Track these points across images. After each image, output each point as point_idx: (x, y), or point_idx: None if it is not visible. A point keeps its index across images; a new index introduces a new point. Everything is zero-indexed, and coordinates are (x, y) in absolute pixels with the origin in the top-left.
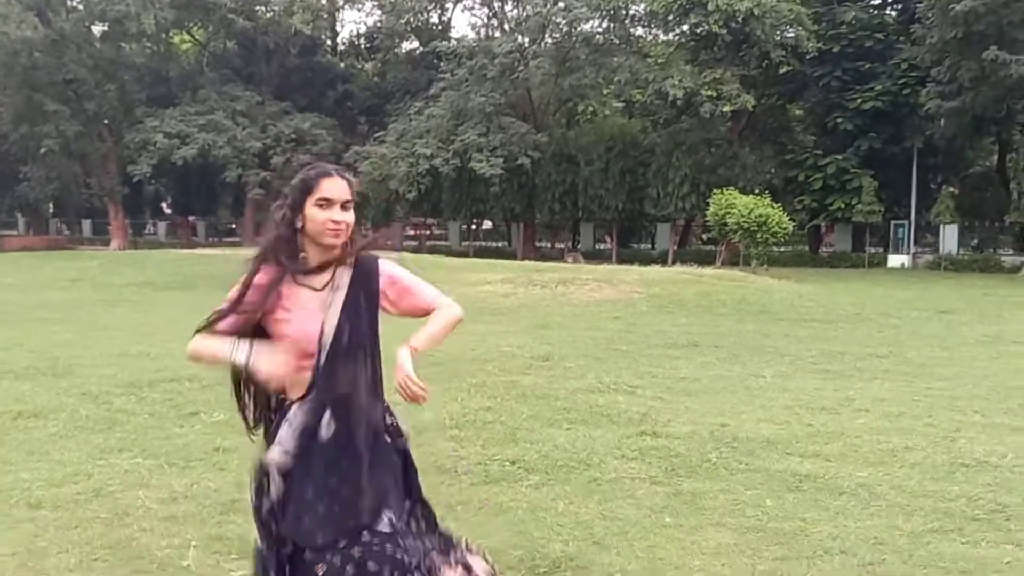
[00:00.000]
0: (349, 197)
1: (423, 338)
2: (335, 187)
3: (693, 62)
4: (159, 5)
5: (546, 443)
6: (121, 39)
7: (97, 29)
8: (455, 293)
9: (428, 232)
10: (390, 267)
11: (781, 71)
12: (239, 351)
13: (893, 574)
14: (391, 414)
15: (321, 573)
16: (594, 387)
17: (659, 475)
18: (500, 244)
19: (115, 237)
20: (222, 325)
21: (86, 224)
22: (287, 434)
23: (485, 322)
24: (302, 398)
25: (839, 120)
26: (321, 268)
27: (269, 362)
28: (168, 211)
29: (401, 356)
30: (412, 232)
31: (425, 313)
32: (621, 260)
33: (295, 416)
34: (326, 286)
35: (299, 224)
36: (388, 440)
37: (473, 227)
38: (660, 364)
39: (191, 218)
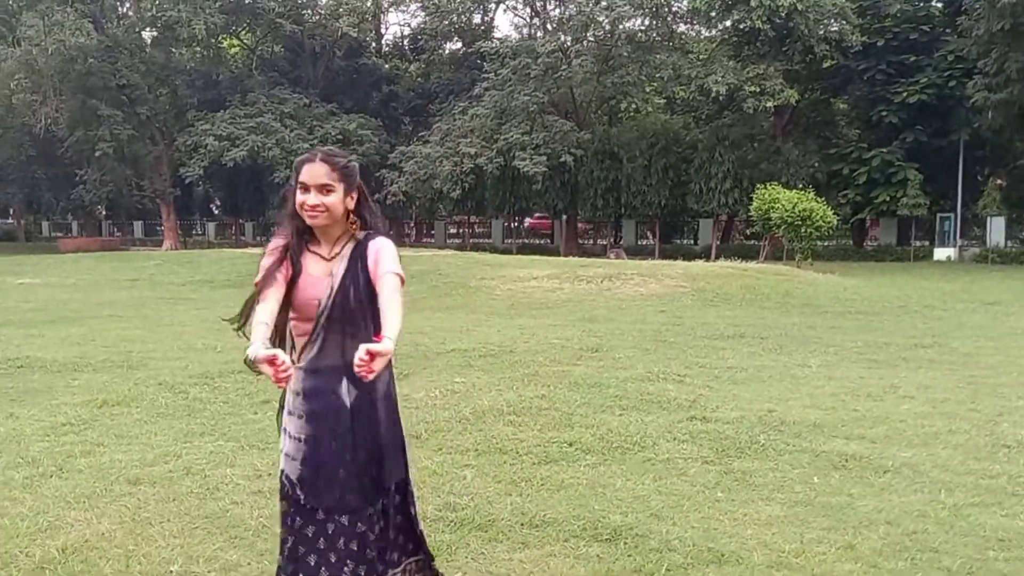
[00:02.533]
0: (324, 181)
1: (392, 328)
2: (310, 172)
3: (736, 58)
4: (209, 10)
5: (600, 427)
6: (172, 44)
7: (148, 35)
8: (502, 289)
9: (471, 230)
10: (381, 242)
11: (825, 65)
12: (252, 347)
13: (934, 542)
14: (393, 381)
15: (331, 531)
16: (643, 376)
17: (710, 455)
18: (543, 241)
19: (167, 238)
20: (264, 289)
21: (137, 225)
22: (290, 399)
23: (533, 316)
24: (301, 362)
25: (884, 114)
26: (330, 239)
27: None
28: (217, 212)
29: (384, 343)
30: (455, 230)
31: (377, 275)
32: (664, 256)
33: (295, 381)
34: (334, 257)
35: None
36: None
37: (516, 224)
38: (707, 355)
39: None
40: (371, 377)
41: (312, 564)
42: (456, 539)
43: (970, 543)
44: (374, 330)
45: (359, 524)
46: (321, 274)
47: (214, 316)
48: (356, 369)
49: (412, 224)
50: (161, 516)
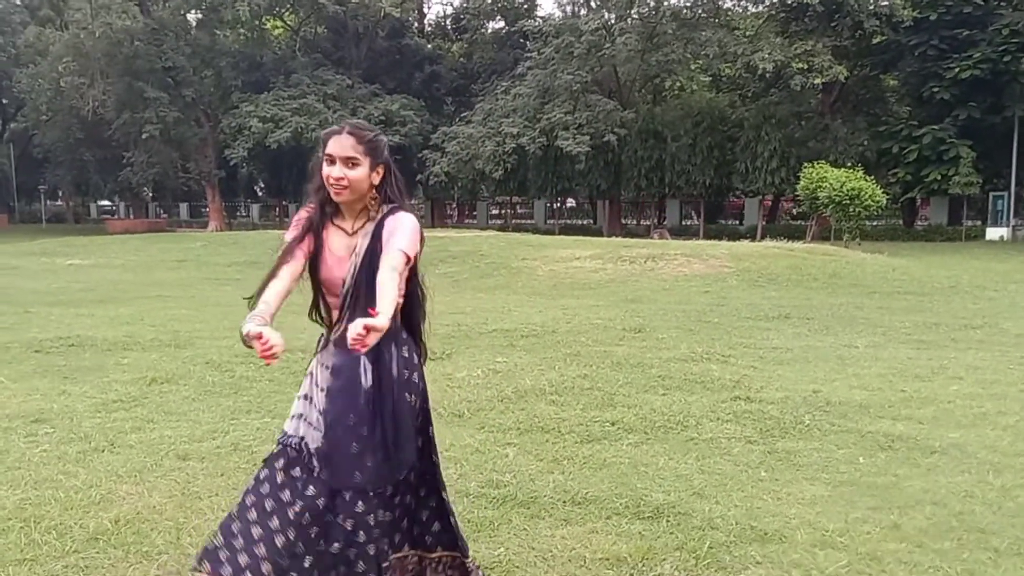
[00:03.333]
0: (351, 154)
1: (387, 306)
2: (338, 144)
3: (783, 34)
4: None
5: (643, 407)
6: (216, 26)
7: (193, 17)
8: (544, 269)
9: (513, 210)
10: (400, 218)
11: (875, 41)
12: (246, 322)
13: (982, 523)
14: (412, 365)
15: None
16: (687, 356)
17: (754, 435)
18: (585, 222)
19: (212, 219)
20: (280, 265)
21: (183, 207)
22: (319, 372)
23: (576, 297)
24: (331, 339)
25: (935, 90)
26: (353, 213)
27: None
28: (261, 193)
29: (378, 319)
30: (497, 211)
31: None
32: (708, 236)
33: (324, 356)
34: (356, 232)
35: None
36: (408, 394)
37: (558, 205)
38: (752, 335)
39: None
40: (363, 351)
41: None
42: (499, 515)
43: (1018, 523)
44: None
45: (359, 503)
46: (344, 252)
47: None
48: (350, 343)
49: (454, 205)
50: (210, 490)
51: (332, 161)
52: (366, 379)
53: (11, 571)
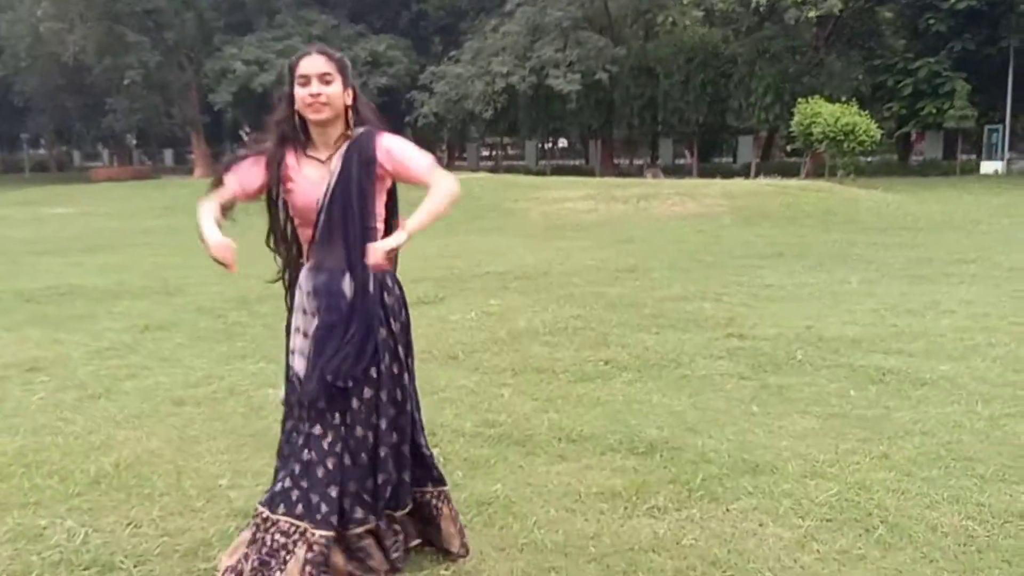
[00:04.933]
0: (325, 70)
1: (414, 221)
2: (310, 63)
3: None
4: None
5: (636, 346)
6: None
7: None
8: (536, 211)
9: (503, 151)
10: (388, 139)
11: None
12: (206, 230)
13: (969, 451)
14: (390, 284)
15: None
16: (680, 296)
17: (746, 371)
18: (577, 162)
19: (198, 165)
20: (229, 179)
21: (168, 154)
22: (300, 298)
23: (568, 238)
24: (308, 263)
25: (931, 21)
26: (327, 141)
27: (217, 244)
28: (247, 138)
29: (393, 236)
30: (487, 152)
31: (421, 183)
32: (702, 175)
33: (304, 280)
34: (330, 158)
35: (296, 106)
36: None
37: (550, 146)
38: (745, 273)
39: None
40: (387, 266)
41: (307, 460)
42: (495, 453)
43: (1004, 451)
44: (371, 224)
45: (347, 417)
46: (318, 178)
47: (248, 241)
48: (371, 263)
49: (444, 147)
50: (208, 434)
51: (307, 81)
52: (348, 292)
53: (16, 514)
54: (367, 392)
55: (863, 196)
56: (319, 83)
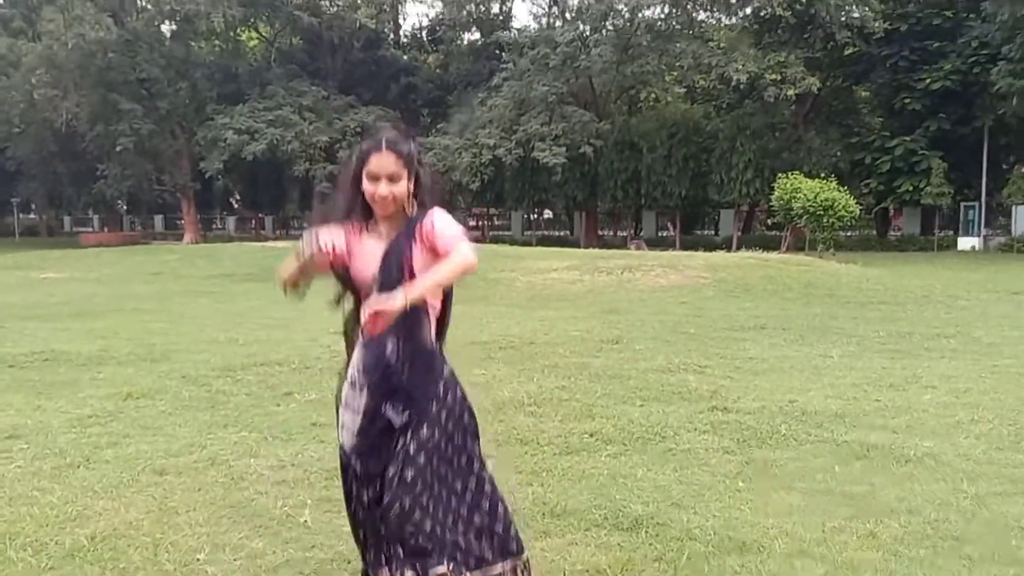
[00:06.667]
0: (394, 170)
1: (416, 284)
2: (380, 162)
3: (756, 45)
4: (227, 3)
5: (621, 418)
6: (191, 37)
7: (167, 28)
8: (522, 281)
9: (490, 222)
10: (431, 215)
11: (847, 52)
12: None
13: (956, 531)
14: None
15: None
16: (664, 367)
17: (731, 446)
18: (562, 233)
19: (188, 231)
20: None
21: (158, 219)
22: (353, 373)
23: (553, 308)
24: (362, 338)
25: (907, 101)
26: (391, 223)
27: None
28: (237, 206)
29: (392, 296)
30: (474, 223)
31: (446, 253)
32: (684, 247)
33: (358, 355)
34: (390, 235)
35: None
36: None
37: (535, 217)
38: (728, 346)
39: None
40: (375, 333)
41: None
42: None
43: (992, 532)
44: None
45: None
46: (376, 255)
47: (235, 309)
48: (363, 323)
49: None
50: (187, 505)
51: (376, 179)
52: (392, 355)
53: None
54: None
55: (843, 270)
56: (387, 183)
